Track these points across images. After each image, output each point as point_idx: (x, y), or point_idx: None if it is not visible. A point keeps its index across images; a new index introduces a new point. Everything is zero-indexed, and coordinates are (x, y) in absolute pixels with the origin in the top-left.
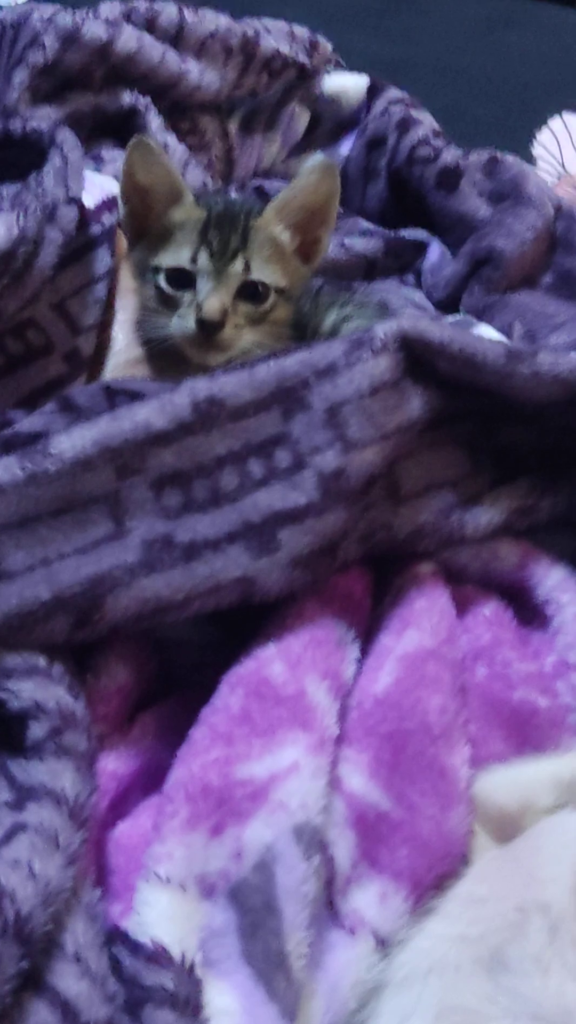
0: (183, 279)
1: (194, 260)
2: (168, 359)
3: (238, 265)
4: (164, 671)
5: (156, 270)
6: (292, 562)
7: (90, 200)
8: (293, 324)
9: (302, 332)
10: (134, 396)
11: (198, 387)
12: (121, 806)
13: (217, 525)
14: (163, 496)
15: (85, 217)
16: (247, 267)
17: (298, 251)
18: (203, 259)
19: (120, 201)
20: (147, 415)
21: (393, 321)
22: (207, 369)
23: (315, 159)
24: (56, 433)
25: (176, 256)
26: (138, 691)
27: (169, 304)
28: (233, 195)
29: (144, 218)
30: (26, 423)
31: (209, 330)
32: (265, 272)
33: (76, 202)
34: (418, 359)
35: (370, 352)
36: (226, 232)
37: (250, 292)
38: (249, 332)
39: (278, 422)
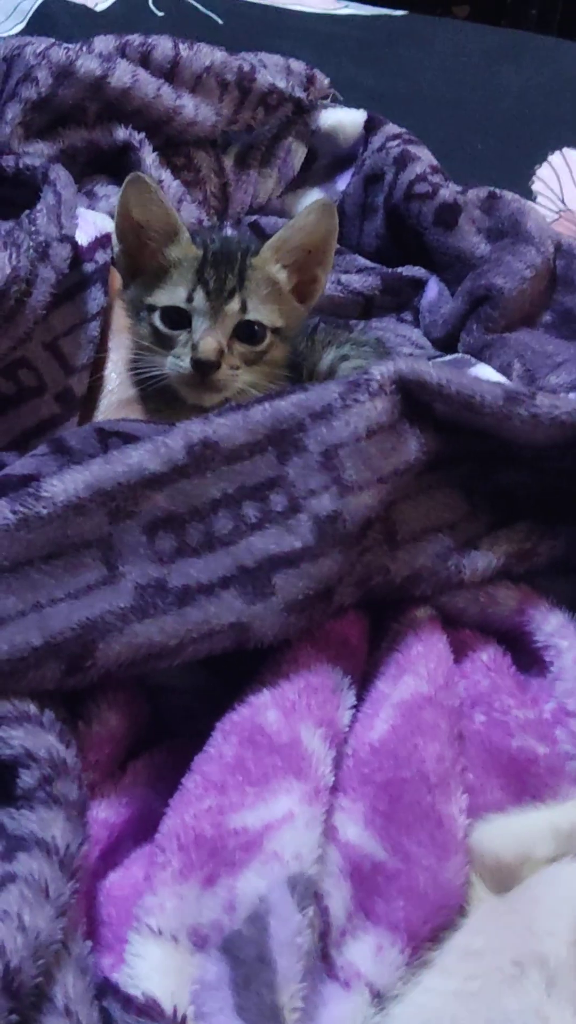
0: (179, 318)
1: (190, 299)
2: (162, 399)
3: (235, 304)
4: (156, 718)
5: (151, 309)
6: (287, 607)
7: (83, 237)
8: (289, 364)
9: (298, 372)
10: (127, 438)
11: (192, 429)
12: (112, 855)
13: (211, 569)
14: (156, 540)
15: (78, 255)
16: (244, 307)
17: (295, 290)
18: (199, 298)
19: (115, 238)
20: (140, 458)
21: (390, 363)
22: (202, 410)
23: (314, 198)
24: (48, 476)
25: (172, 295)
26: (130, 738)
27: (164, 343)
28: (229, 232)
29: (139, 256)
30: (18, 465)
31: (205, 370)
32: (262, 312)
33: (69, 240)
34: (415, 401)
35: (367, 394)
36: (223, 271)
37: (246, 332)
38: (245, 373)
39: (273, 465)
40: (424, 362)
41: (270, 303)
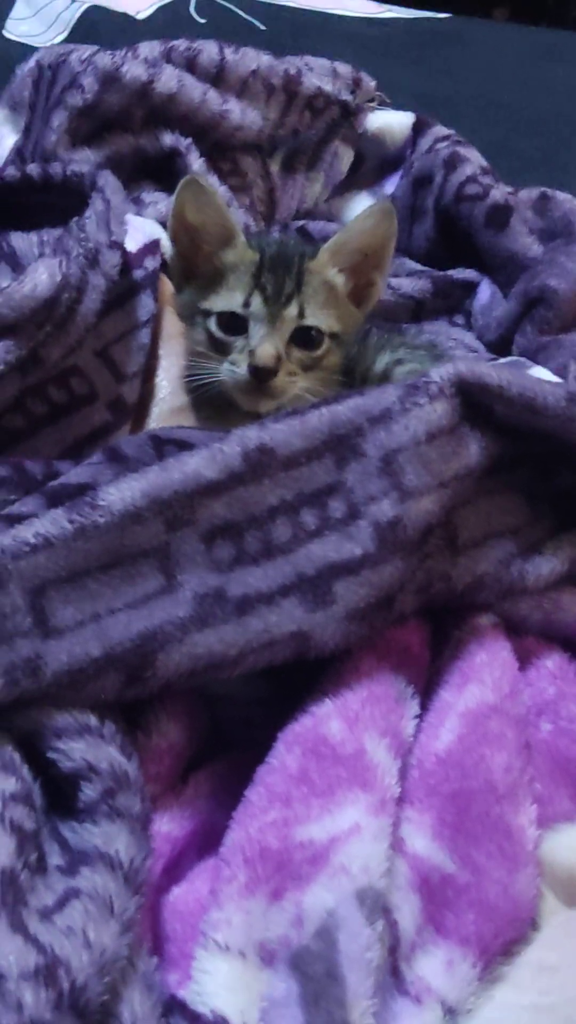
0: (235, 324)
1: (247, 304)
2: (215, 407)
3: (292, 310)
4: (215, 729)
5: (207, 314)
6: (348, 616)
7: (132, 244)
8: (343, 369)
9: (351, 377)
10: (182, 445)
11: (248, 436)
12: (176, 870)
13: (270, 578)
14: (214, 548)
15: (128, 262)
16: (301, 312)
17: (351, 295)
18: (256, 303)
19: (168, 241)
20: (197, 465)
21: (449, 365)
22: (256, 416)
23: (361, 202)
24: (104, 484)
25: (228, 300)
26: (190, 749)
27: (220, 349)
28: (287, 236)
29: (193, 260)
30: (73, 474)
31: (262, 377)
32: (319, 317)
33: (119, 246)
34: (475, 404)
35: (426, 397)
36: (280, 275)
37: (304, 338)
38: (302, 379)
39: (331, 471)
40: (484, 363)
41: (327, 308)
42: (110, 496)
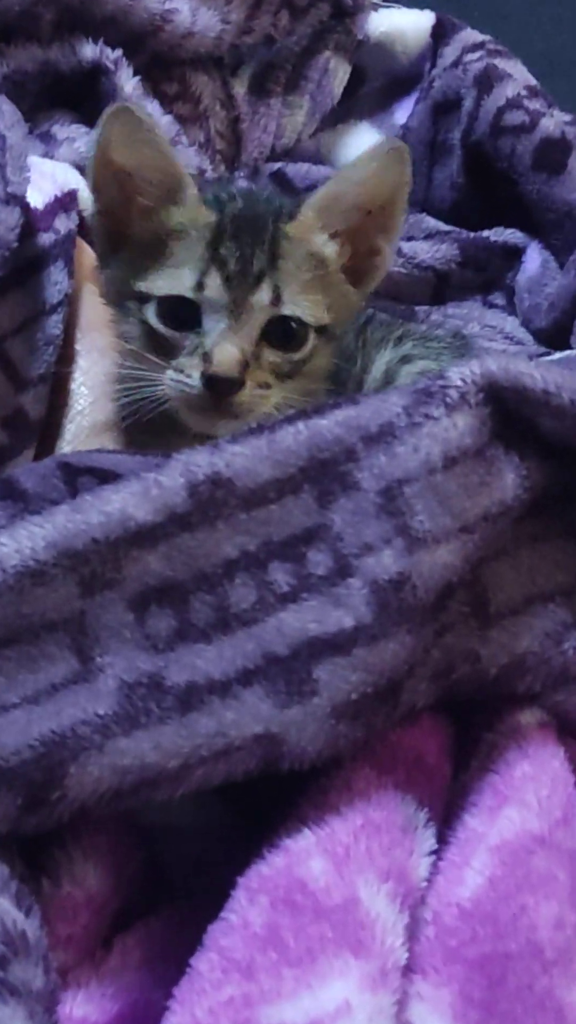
0: (184, 314)
1: (201, 286)
2: (154, 426)
3: (264, 294)
4: (152, 871)
5: (143, 299)
6: (334, 712)
7: (38, 198)
8: (333, 374)
9: (340, 382)
10: (104, 476)
11: (196, 462)
12: None
13: (226, 660)
14: (148, 619)
15: (31, 222)
16: (277, 297)
17: (346, 269)
18: (214, 285)
19: (89, 194)
20: (124, 503)
21: (475, 362)
22: (210, 438)
23: (361, 137)
24: None
25: (174, 280)
26: (116, 902)
27: (162, 350)
28: (256, 188)
29: (124, 220)
30: None
31: (221, 390)
32: (302, 304)
33: (18, 201)
34: (512, 416)
35: (442, 407)
36: (247, 244)
37: (281, 333)
38: (277, 391)
39: (311, 510)
40: (523, 360)
41: (314, 290)
42: (2, 548)
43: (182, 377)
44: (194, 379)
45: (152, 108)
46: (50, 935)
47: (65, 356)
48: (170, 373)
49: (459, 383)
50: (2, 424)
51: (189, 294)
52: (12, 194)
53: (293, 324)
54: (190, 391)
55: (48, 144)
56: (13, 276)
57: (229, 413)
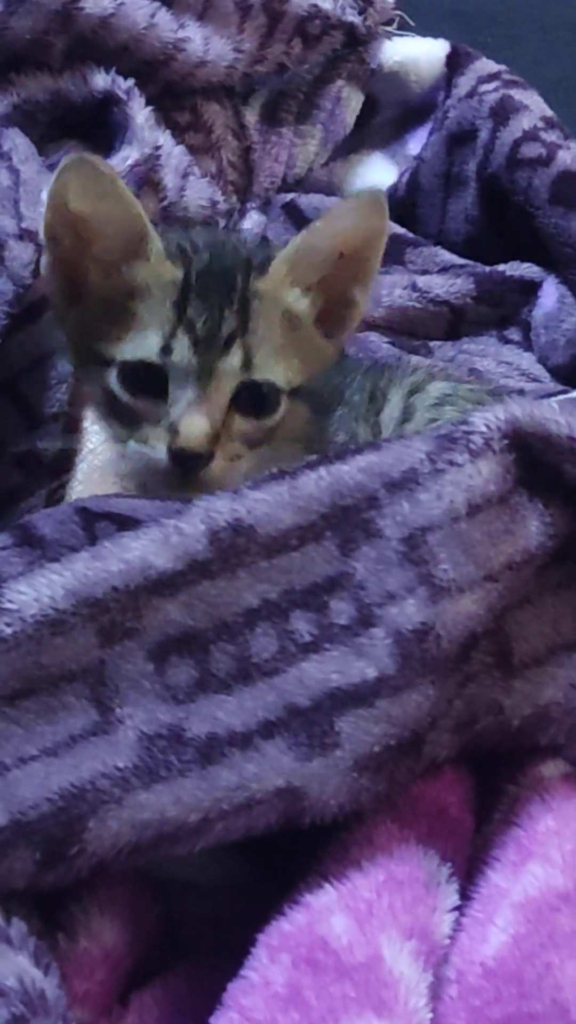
0: (148, 380)
1: (167, 350)
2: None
3: (234, 359)
4: (169, 927)
5: (105, 362)
6: (357, 765)
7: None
8: (311, 434)
9: (318, 436)
10: (123, 522)
11: (216, 509)
12: None
13: (247, 711)
14: (168, 670)
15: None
16: (248, 361)
17: (320, 318)
18: (182, 350)
19: (44, 245)
20: (144, 551)
21: (499, 407)
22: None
23: (375, 167)
24: (11, 579)
25: (138, 343)
26: (132, 958)
27: (125, 418)
28: (223, 234)
29: (81, 271)
30: None
31: (189, 465)
32: (274, 368)
33: (32, 237)
34: (536, 462)
35: (466, 453)
36: (215, 304)
37: (252, 400)
38: (248, 459)
39: (334, 558)
40: (548, 406)
41: (286, 352)
42: (21, 596)
43: (146, 449)
44: (160, 452)
45: (164, 138)
46: (67, 991)
47: (75, 393)
48: (132, 444)
49: (483, 429)
50: (15, 464)
51: (155, 359)
52: (26, 229)
53: (264, 389)
54: (156, 465)
55: None
56: (26, 312)
57: (197, 488)
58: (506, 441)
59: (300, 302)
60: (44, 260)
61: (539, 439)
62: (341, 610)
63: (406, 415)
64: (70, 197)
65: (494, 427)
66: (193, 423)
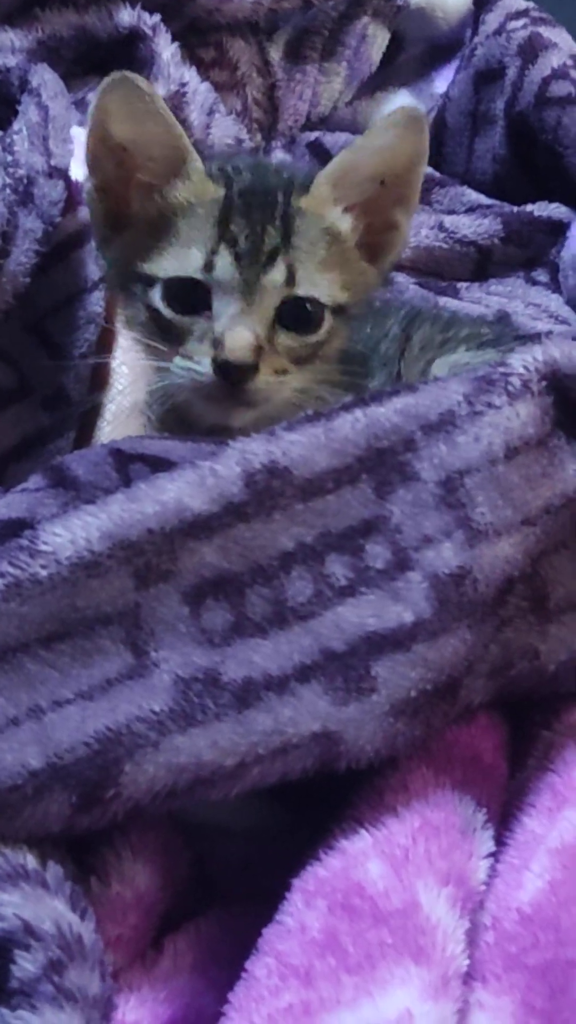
0: (193, 296)
1: (210, 266)
2: (168, 422)
3: (278, 274)
4: (200, 872)
5: (148, 281)
6: (393, 710)
7: (78, 170)
8: (349, 358)
9: (364, 368)
10: (157, 464)
11: (252, 450)
12: None
13: (283, 655)
14: (203, 613)
15: (73, 196)
16: (291, 276)
17: (362, 245)
18: (224, 265)
19: (86, 170)
20: (179, 492)
21: (537, 348)
22: (231, 431)
23: (401, 104)
24: (47, 521)
25: (181, 260)
26: (165, 902)
27: (170, 336)
28: (264, 158)
29: (123, 197)
30: (1, 505)
31: (235, 377)
32: (318, 284)
33: (61, 174)
34: (574, 405)
35: (504, 395)
36: (258, 220)
37: (296, 315)
38: (295, 376)
39: (370, 501)
40: None
41: (330, 268)
42: (56, 538)
43: (191, 364)
44: (204, 366)
45: (189, 75)
46: (100, 935)
47: (105, 333)
48: (178, 360)
49: (522, 371)
50: (43, 404)
51: (198, 275)
52: (55, 167)
53: (309, 306)
54: (201, 379)
55: (83, 111)
56: (55, 252)
57: (245, 401)
58: (544, 383)
59: (343, 221)
60: (87, 186)
61: None
62: (377, 554)
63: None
64: (112, 121)
65: (532, 369)
66: (237, 334)
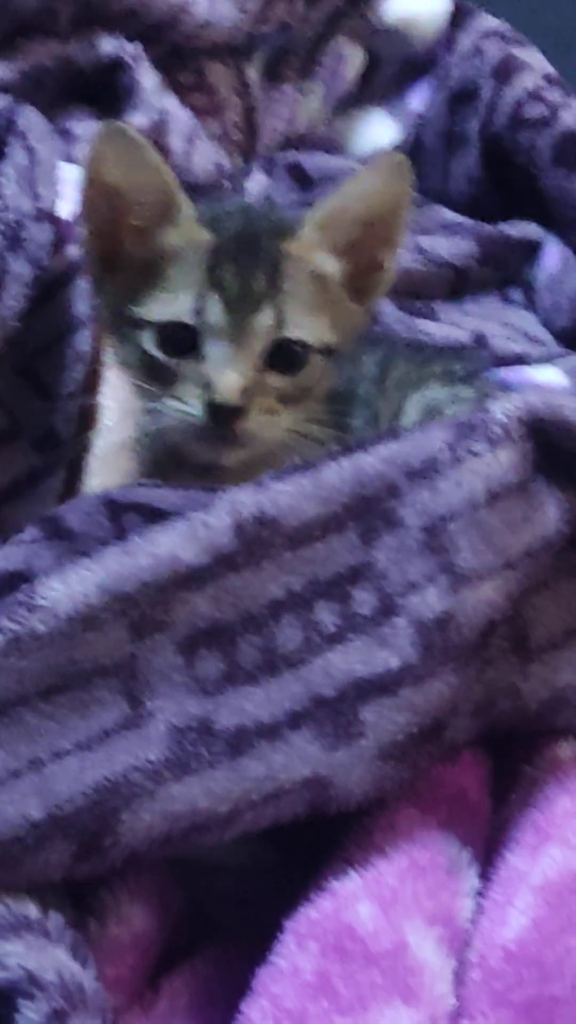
0: (183, 340)
1: (200, 312)
2: (159, 463)
3: (266, 317)
4: (194, 911)
5: (139, 325)
6: (382, 753)
7: (65, 208)
8: (335, 398)
9: (344, 406)
10: (150, 514)
11: (242, 501)
12: None
13: (274, 703)
14: (197, 662)
15: (60, 234)
16: (280, 320)
17: (348, 284)
18: (214, 309)
19: (81, 216)
20: (172, 545)
21: (517, 397)
22: (221, 471)
23: (376, 123)
24: (43, 574)
25: (171, 305)
26: (160, 942)
27: (161, 379)
28: (252, 203)
29: (115, 240)
30: None
31: (225, 418)
32: (306, 326)
33: (49, 217)
34: (553, 449)
35: (486, 442)
36: (247, 265)
37: (285, 357)
38: (284, 416)
39: (356, 548)
40: (565, 395)
41: (317, 310)
42: (53, 592)
43: (183, 406)
44: (196, 408)
45: (170, 104)
46: (99, 977)
47: (90, 375)
48: (168, 402)
49: (502, 418)
50: (33, 445)
51: (188, 319)
52: (42, 210)
53: (297, 348)
54: (192, 421)
55: (67, 142)
56: (44, 292)
57: (235, 442)
58: (524, 429)
59: (329, 263)
60: (78, 232)
61: (557, 426)
62: (364, 600)
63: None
64: (104, 168)
65: (513, 415)
66: (228, 377)
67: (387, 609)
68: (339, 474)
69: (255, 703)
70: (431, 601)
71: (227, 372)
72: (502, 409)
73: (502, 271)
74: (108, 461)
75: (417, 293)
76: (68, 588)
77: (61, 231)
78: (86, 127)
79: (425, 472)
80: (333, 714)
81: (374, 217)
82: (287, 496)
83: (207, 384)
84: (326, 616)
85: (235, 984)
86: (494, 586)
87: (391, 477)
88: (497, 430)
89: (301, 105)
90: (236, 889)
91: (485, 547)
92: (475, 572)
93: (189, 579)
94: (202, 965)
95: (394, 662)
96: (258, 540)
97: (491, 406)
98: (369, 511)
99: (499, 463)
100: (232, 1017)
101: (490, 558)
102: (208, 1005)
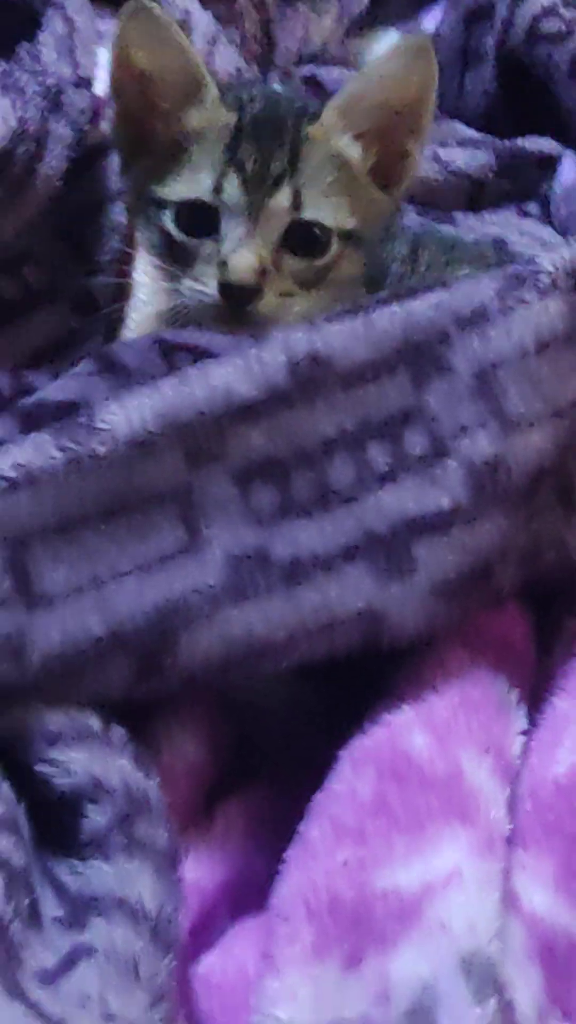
0: (202, 219)
1: (218, 190)
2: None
3: (283, 198)
4: (241, 747)
5: (161, 205)
6: (434, 589)
7: (100, 86)
8: (369, 282)
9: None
10: (200, 353)
11: (295, 340)
12: (205, 932)
13: (328, 536)
14: (252, 493)
15: (97, 108)
16: (297, 201)
17: (375, 172)
18: (231, 188)
19: (110, 96)
20: (227, 378)
21: (565, 248)
22: None
23: (390, 43)
24: (100, 402)
25: (192, 184)
26: (213, 773)
27: (180, 258)
28: (271, 87)
29: (145, 124)
30: (54, 389)
31: (238, 298)
32: (324, 208)
33: (87, 84)
34: None
35: (535, 292)
36: (267, 146)
37: (302, 239)
38: (302, 300)
39: (407, 391)
40: None
41: (337, 194)
42: (112, 416)
43: (199, 286)
44: (210, 288)
45: (192, 5)
46: None
47: (128, 243)
48: (186, 282)
49: (551, 268)
50: (72, 307)
51: (206, 197)
52: (83, 77)
53: (315, 229)
54: (207, 300)
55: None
56: (83, 160)
57: (249, 323)
58: (572, 280)
59: (352, 148)
60: (109, 113)
61: None
62: (415, 441)
63: None
64: (132, 48)
65: (560, 267)
66: (242, 257)
67: (438, 451)
68: (391, 319)
69: (309, 535)
70: (481, 444)
71: (241, 251)
72: (551, 260)
73: (519, 184)
74: (144, 331)
75: (436, 203)
76: (126, 413)
77: (97, 105)
78: (110, 25)
79: (475, 320)
80: (386, 550)
81: (397, 102)
82: (340, 337)
83: (222, 264)
84: (378, 456)
85: (286, 813)
86: (543, 433)
87: (442, 324)
88: (546, 280)
89: (315, 24)
90: (283, 727)
91: (534, 394)
92: (524, 418)
93: (243, 412)
94: (255, 794)
95: (445, 502)
96: (311, 379)
97: (541, 259)
98: (420, 356)
99: (548, 312)
100: (286, 841)
101: (539, 405)
102: (262, 829)
